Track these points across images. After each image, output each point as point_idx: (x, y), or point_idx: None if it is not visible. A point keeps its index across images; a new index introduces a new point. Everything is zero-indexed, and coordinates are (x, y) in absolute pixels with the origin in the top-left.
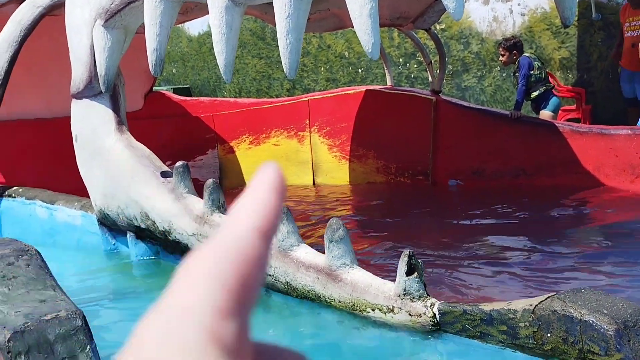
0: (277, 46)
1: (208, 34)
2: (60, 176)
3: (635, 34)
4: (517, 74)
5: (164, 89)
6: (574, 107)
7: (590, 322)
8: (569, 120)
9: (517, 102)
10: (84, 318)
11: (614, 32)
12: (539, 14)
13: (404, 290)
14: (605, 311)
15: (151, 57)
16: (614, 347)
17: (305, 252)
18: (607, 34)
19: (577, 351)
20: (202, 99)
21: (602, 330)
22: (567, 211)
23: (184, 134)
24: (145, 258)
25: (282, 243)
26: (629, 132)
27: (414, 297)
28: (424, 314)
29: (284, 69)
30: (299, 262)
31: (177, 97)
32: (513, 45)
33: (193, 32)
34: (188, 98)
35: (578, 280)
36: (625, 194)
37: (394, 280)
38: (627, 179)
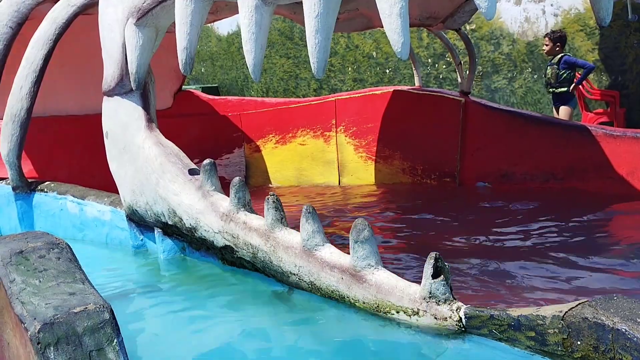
0: (305, 46)
1: (237, 34)
2: (91, 172)
3: None
4: (554, 66)
5: (193, 88)
6: (607, 110)
7: (623, 330)
8: (601, 123)
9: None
10: (111, 312)
11: None
12: (572, 14)
13: (430, 293)
14: (639, 320)
15: (181, 56)
16: None
17: (330, 252)
18: None
19: None
20: (229, 98)
21: (635, 339)
22: (599, 217)
23: (211, 132)
24: (171, 254)
25: (307, 242)
26: None
27: (439, 301)
28: (450, 317)
29: (312, 69)
30: (324, 261)
31: (205, 96)
32: (559, 38)
33: (222, 31)
34: (216, 97)
35: (609, 288)
36: None
37: (419, 283)
38: None
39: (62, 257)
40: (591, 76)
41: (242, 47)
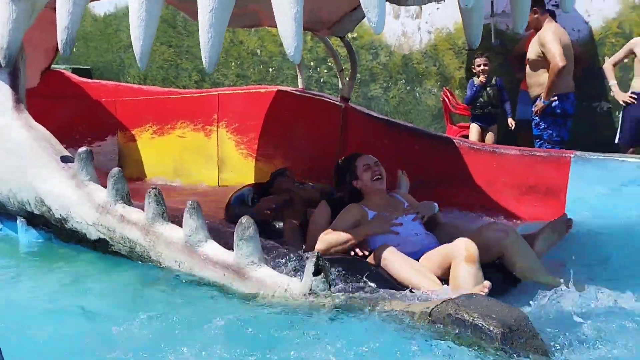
0: (188, 35)
1: (115, 16)
2: None
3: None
4: (495, 87)
5: (62, 68)
6: (469, 124)
7: (480, 325)
8: (463, 136)
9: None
10: None
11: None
12: (444, 33)
13: (310, 289)
14: (494, 315)
15: (62, 36)
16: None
17: (212, 249)
18: (504, 59)
19: None
20: (105, 82)
21: (490, 333)
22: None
23: (82, 117)
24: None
25: (189, 238)
26: (518, 152)
27: (319, 296)
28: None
29: (203, 63)
30: (207, 258)
31: (77, 78)
32: None
33: (99, 11)
34: (89, 80)
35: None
36: (512, 209)
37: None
38: (514, 196)
39: None
40: (457, 92)
41: (119, 30)
